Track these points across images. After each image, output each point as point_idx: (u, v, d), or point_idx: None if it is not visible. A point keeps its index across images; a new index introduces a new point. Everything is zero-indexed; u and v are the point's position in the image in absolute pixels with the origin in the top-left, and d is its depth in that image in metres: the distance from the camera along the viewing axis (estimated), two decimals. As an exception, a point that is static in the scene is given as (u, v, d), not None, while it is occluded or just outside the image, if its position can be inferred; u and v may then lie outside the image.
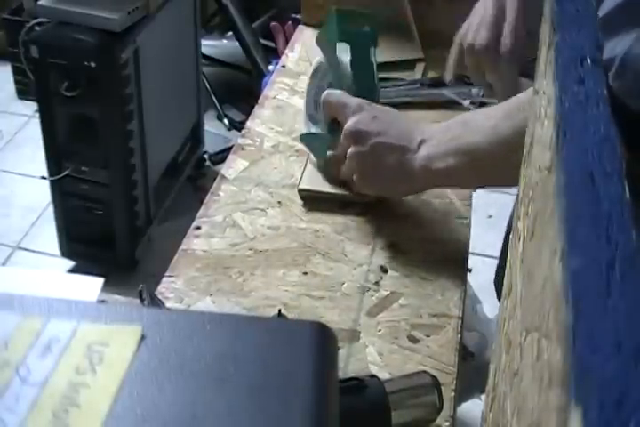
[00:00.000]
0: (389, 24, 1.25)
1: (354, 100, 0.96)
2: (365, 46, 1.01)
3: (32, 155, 2.45)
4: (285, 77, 1.26)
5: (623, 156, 0.31)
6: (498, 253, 1.38)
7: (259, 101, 1.19)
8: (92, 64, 1.83)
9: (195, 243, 0.93)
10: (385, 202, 0.99)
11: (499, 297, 1.21)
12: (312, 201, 1.00)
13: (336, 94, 0.99)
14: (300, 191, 1.00)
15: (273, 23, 2.09)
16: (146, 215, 2.18)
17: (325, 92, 1.00)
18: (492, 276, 1.40)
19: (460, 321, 0.85)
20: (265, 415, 0.36)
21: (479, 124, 0.90)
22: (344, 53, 1.00)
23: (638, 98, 0.70)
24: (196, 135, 2.49)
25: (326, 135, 1.02)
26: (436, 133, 0.92)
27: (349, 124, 0.94)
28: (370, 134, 0.93)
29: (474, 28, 1.04)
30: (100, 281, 0.61)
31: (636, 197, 0.31)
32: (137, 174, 2.05)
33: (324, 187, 1.00)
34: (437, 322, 0.85)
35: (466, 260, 0.95)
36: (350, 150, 0.94)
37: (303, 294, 0.87)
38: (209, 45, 2.78)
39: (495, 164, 0.87)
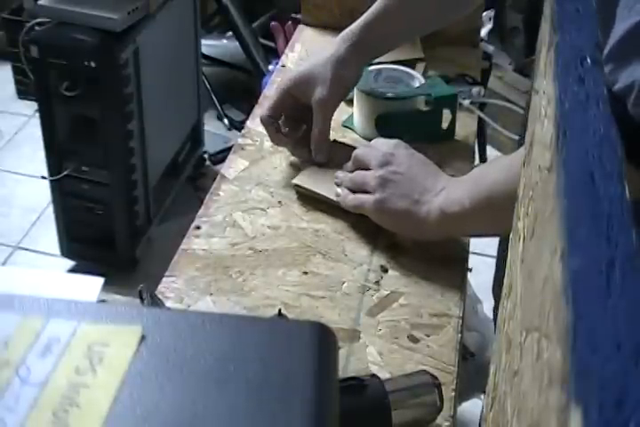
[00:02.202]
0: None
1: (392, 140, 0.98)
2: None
3: (32, 155, 2.45)
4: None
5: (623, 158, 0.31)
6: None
7: (259, 101, 1.19)
8: (92, 64, 1.83)
9: (195, 243, 0.93)
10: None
11: (496, 304, 1.21)
12: (312, 201, 1.00)
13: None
14: (294, 186, 1.01)
15: (273, 23, 2.09)
16: (146, 215, 2.17)
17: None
18: (492, 276, 1.40)
19: (460, 321, 0.85)
20: (265, 415, 0.36)
21: (500, 162, 0.90)
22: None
23: None
24: (196, 135, 2.49)
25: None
26: (457, 181, 0.92)
27: (382, 150, 0.96)
28: (400, 164, 0.94)
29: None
30: (100, 281, 0.61)
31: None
32: (137, 174, 2.05)
33: (317, 187, 1.00)
34: (438, 322, 0.85)
35: (466, 260, 0.95)
36: (375, 173, 0.94)
37: (303, 293, 0.87)
38: (209, 45, 2.77)
39: (511, 204, 0.87)
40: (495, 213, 0.86)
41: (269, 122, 1.05)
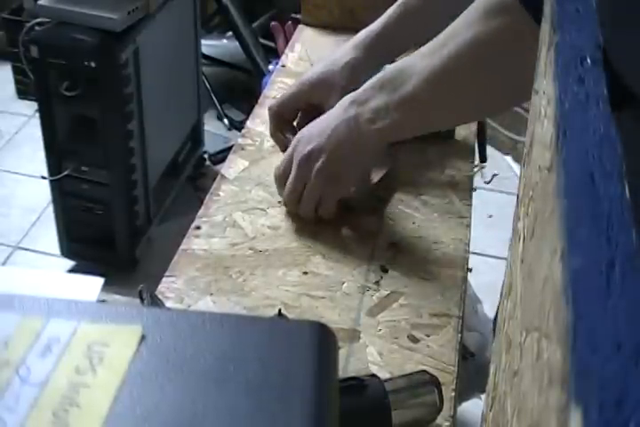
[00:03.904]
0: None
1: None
2: None
3: (32, 155, 2.45)
4: (285, 77, 1.26)
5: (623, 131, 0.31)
6: (498, 253, 1.38)
7: (259, 101, 1.19)
8: (92, 64, 1.83)
9: (195, 243, 0.93)
10: (384, 202, 0.99)
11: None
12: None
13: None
14: None
15: (273, 23, 2.09)
16: (146, 215, 2.18)
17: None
18: (493, 276, 1.40)
19: (460, 321, 0.85)
20: (265, 415, 0.36)
21: (416, 65, 0.89)
22: None
23: None
24: (195, 135, 2.49)
25: None
26: (370, 93, 0.92)
27: (296, 154, 0.95)
28: (319, 150, 0.93)
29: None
30: (100, 281, 0.61)
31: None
32: (137, 174, 2.05)
33: None
34: (437, 322, 0.85)
35: (466, 260, 0.95)
36: (308, 172, 0.94)
37: (303, 293, 0.87)
38: (209, 45, 2.78)
39: (441, 98, 0.88)
40: (428, 111, 0.89)
41: (275, 115, 1.06)
